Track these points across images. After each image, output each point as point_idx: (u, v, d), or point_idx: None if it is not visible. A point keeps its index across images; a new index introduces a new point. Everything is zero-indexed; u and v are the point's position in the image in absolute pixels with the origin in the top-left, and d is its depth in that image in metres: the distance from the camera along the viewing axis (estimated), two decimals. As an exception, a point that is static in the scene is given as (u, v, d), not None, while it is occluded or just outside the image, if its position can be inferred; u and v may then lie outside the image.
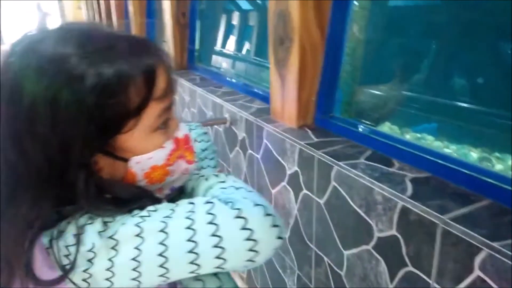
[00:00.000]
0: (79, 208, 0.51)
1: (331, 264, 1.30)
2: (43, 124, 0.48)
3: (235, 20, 3.42)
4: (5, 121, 0.50)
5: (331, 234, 1.27)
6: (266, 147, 1.64)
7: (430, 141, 1.59)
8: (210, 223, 0.50)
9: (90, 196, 0.51)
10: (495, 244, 0.76)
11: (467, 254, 0.81)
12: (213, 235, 0.49)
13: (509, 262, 0.73)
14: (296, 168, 1.44)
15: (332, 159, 1.24)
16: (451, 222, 0.84)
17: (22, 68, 0.49)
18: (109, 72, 0.49)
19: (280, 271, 1.69)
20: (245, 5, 3.42)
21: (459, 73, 1.67)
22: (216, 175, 0.63)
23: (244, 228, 0.50)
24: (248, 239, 0.50)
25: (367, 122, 1.64)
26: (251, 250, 0.51)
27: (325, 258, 1.33)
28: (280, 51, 1.57)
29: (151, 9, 4.44)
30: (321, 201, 1.30)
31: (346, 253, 1.21)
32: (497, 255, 0.75)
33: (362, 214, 1.11)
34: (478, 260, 0.79)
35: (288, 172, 1.49)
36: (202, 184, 0.62)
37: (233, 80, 2.43)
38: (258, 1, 3.14)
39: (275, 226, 0.52)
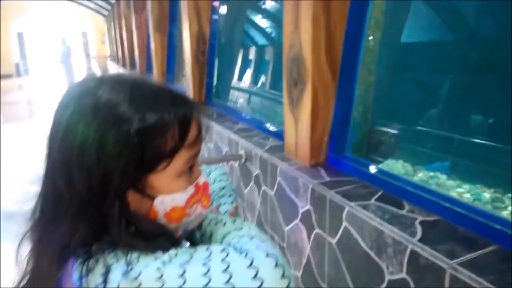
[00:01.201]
0: (107, 246, 0.56)
1: (343, 304, 1.31)
2: (91, 158, 0.56)
3: (252, 59, 3.55)
4: (58, 152, 0.58)
5: (343, 275, 1.28)
6: (280, 184, 1.68)
7: (443, 180, 1.61)
8: (225, 271, 0.54)
9: (121, 227, 0.57)
10: (502, 291, 0.78)
11: (475, 300, 0.82)
12: (227, 282, 0.54)
13: (516, 310, 0.74)
14: (308, 206, 1.47)
15: (344, 199, 1.27)
16: (459, 268, 0.86)
17: (79, 108, 0.58)
18: (152, 118, 0.57)
19: (293, 309, 1.69)
20: (262, 41, 3.55)
21: (470, 112, 1.69)
22: (233, 221, 0.68)
23: (255, 278, 0.54)
24: None
25: (379, 162, 1.67)
26: None
27: (337, 298, 1.34)
28: (294, 93, 1.63)
29: (172, 45, 4.64)
30: (333, 241, 1.32)
31: (357, 294, 1.22)
32: (504, 302, 0.77)
33: (373, 256, 1.13)
34: (486, 306, 0.80)
35: (301, 210, 1.52)
36: (220, 229, 0.67)
37: (249, 117, 2.50)
38: (274, 37, 3.26)
39: (285, 277, 0.56)
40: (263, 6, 3.33)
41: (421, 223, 1.07)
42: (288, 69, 1.65)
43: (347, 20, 1.53)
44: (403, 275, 1.01)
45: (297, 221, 1.56)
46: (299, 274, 1.58)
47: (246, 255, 0.56)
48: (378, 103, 1.78)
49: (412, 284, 0.99)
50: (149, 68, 5.63)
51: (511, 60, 1.44)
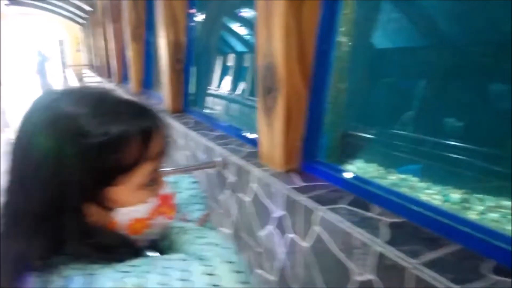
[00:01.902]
0: (66, 259, 0.56)
1: (318, 307, 1.33)
2: (48, 171, 0.55)
3: (229, 65, 3.57)
4: (19, 164, 0.58)
5: (316, 278, 1.30)
6: (255, 190, 1.69)
7: (414, 182, 1.66)
8: (184, 280, 0.55)
9: (78, 239, 0.56)
10: (461, 288, 0.81)
11: (438, 298, 0.86)
12: None
13: (475, 306, 0.78)
14: (282, 211, 1.49)
15: (316, 204, 1.30)
16: (422, 267, 0.89)
17: (41, 121, 0.57)
18: (112, 132, 0.57)
19: (270, 314, 1.70)
20: (239, 47, 3.59)
21: (441, 116, 1.75)
22: (198, 230, 0.68)
23: (214, 285, 0.55)
24: None
25: (352, 166, 1.71)
26: None
27: (311, 302, 1.36)
28: (268, 100, 1.66)
29: (149, 53, 4.62)
30: (306, 245, 1.34)
31: (330, 296, 1.24)
32: (464, 298, 0.80)
33: (344, 258, 1.15)
34: (448, 303, 0.83)
35: (275, 215, 1.54)
36: (184, 238, 0.67)
37: (226, 124, 2.51)
38: (251, 44, 3.29)
39: (243, 283, 0.57)
40: (240, 14, 3.36)
41: (389, 225, 1.11)
42: (261, 77, 1.68)
43: (319, 28, 1.57)
44: (371, 276, 1.04)
45: (272, 226, 1.58)
46: (276, 278, 1.59)
47: (206, 262, 0.57)
48: (350, 108, 1.82)
49: (380, 285, 1.02)
50: (126, 76, 5.58)
51: (478, 65, 1.51)
